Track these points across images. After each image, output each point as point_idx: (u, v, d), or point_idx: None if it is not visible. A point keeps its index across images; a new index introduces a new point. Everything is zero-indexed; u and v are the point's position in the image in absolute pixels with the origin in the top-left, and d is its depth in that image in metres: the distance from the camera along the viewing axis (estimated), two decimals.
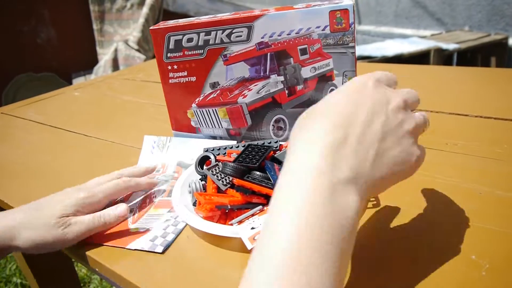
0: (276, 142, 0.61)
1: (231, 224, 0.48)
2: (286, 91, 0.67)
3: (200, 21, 0.65)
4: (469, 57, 2.95)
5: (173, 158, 0.70)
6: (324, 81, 0.65)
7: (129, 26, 3.26)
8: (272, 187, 0.50)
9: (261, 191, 0.50)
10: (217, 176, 0.53)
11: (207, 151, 0.61)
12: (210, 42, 0.65)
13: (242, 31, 0.63)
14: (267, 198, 0.51)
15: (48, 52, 3.26)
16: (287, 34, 0.62)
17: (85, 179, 0.59)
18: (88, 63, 3.36)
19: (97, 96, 1.25)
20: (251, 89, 0.68)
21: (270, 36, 0.63)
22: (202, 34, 0.65)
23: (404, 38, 3.16)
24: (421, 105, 0.76)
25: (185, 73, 0.69)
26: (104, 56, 3.24)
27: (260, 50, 0.64)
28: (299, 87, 0.66)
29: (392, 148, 0.35)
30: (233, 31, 0.64)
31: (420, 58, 2.65)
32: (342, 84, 0.64)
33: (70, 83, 3.25)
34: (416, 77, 1.03)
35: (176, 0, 3.63)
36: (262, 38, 0.63)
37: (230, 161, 0.53)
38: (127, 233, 0.53)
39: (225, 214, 0.51)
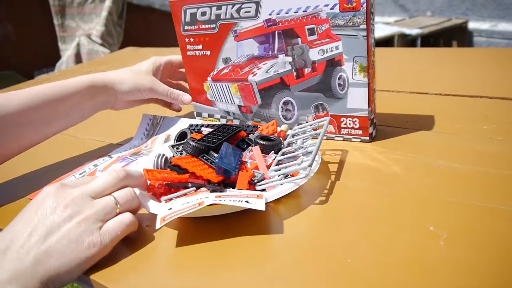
0: (255, 127, 0.61)
1: (160, 201, 0.49)
2: (294, 73, 0.64)
3: None
4: (432, 41, 3.13)
5: (162, 134, 0.72)
6: (333, 65, 0.61)
7: (92, 20, 3.11)
8: (214, 168, 0.50)
9: (195, 173, 0.49)
10: (180, 153, 0.53)
11: (190, 126, 0.61)
12: (222, 17, 0.65)
13: (251, 7, 0.62)
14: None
15: (5, 49, 3.06)
16: (295, 12, 0.59)
17: (50, 171, 0.64)
18: (51, 59, 3.14)
19: None
20: (261, 68, 0.66)
21: (278, 13, 0.61)
22: (214, 8, 0.65)
23: None
24: (383, 86, 0.83)
25: (201, 47, 0.70)
26: (67, 51, 3.09)
27: (268, 28, 0.62)
28: (307, 70, 0.63)
29: (58, 242, 0.40)
30: (242, 6, 0.62)
31: (384, 43, 2.75)
32: (352, 70, 0.61)
33: None
34: (380, 59, 0.99)
35: None
36: (269, 15, 0.61)
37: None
38: None
39: (170, 192, 0.51)
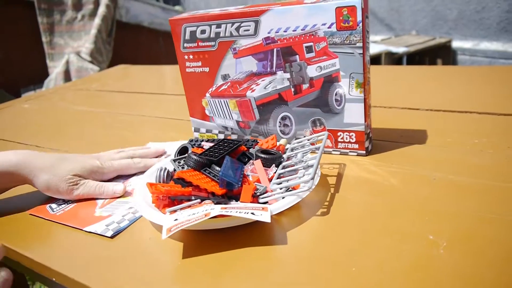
0: (254, 141, 0.62)
1: (165, 213, 0.50)
2: (292, 89, 0.66)
3: (212, 14, 0.66)
4: (417, 59, 3.25)
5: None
6: (330, 82, 0.63)
7: (81, 38, 3.10)
8: (217, 181, 0.51)
9: (200, 186, 0.50)
10: (181, 167, 0.55)
11: (191, 141, 0.63)
12: (221, 35, 0.67)
13: (250, 25, 0.64)
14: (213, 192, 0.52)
15: None
16: (293, 30, 0.62)
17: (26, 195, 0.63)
18: (39, 77, 3.11)
19: (48, 108, 1.21)
20: (259, 84, 0.68)
21: (276, 32, 0.63)
22: (213, 27, 0.67)
23: None
24: (375, 102, 0.85)
25: (200, 63, 0.71)
26: (55, 69, 3.03)
27: (267, 45, 0.64)
28: (304, 86, 0.65)
29: None
30: (241, 25, 0.65)
31: (372, 61, 2.79)
32: (349, 86, 0.63)
33: None
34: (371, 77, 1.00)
35: (129, 11, 3.53)
36: (268, 33, 0.63)
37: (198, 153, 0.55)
38: (90, 217, 0.57)
39: (173, 204, 0.52)
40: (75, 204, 0.60)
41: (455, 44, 3.35)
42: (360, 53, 0.60)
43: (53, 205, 0.61)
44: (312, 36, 0.61)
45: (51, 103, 1.29)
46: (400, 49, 3.09)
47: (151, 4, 3.90)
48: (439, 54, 3.29)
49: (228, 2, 4.88)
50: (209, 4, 5.07)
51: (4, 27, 3.16)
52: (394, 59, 3.06)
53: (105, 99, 1.27)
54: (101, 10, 3.15)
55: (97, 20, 3.11)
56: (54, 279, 0.48)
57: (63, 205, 0.60)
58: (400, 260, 0.41)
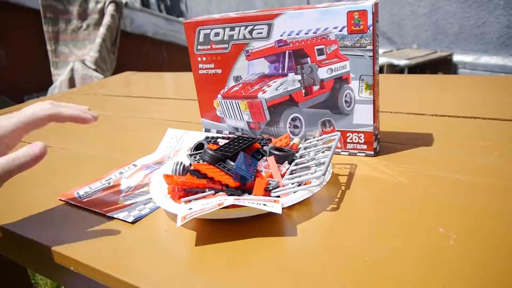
0: (268, 139, 0.64)
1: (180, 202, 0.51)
2: (303, 91, 0.68)
3: (226, 17, 0.69)
4: (418, 72, 3.28)
5: (185, 146, 0.74)
6: (341, 83, 0.65)
7: (85, 47, 3.15)
8: (231, 175, 0.53)
9: (215, 178, 0.52)
10: (197, 161, 0.56)
11: (207, 138, 0.64)
12: (234, 37, 0.69)
13: (263, 28, 0.66)
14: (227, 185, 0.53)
15: None
16: (305, 33, 0.64)
17: (53, 183, 0.67)
18: (42, 84, 3.16)
19: None
20: (270, 85, 0.70)
21: (289, 35, 0.65)
22: (227, 29, 0.69)
23: None
24: (382, 107, 0.84)
25: (212, 65, 0.73)
26: (59, 76, 3.08)
27: (279, 48, 0.67)
28: (315, 88, 0.67)
29: None
30: (255, 28, 0.67)
31: None
32: (359, 88, 0.65)
33: None
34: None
35: (133, 21, 3.60)
36: (281, 36, 0.66)
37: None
38: (113, 204, 0.59)
39: (188, 195, 0.53)
40: (100, 192, 0.63)
41: (456, 58, 3.40)
42: (370, 56, 0.62)
43: (81, 192, 0.64)
44: (324, 39, 0.63)
45: None
46: (402, 62, 3.15)
47: (155, 15, 3.95)
48: (440, 67, 3.34)
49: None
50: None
51: (9, 35, 3.20)
52: (396, 71, 3.12)
53: (112, 103, 1.29)
54: (106, 19, 3.20)
55: (102, 30, 3.16)
56: (72, 268, 0.49)
57: (89, 192, 0.63)
58: (413, 250, 0.43)
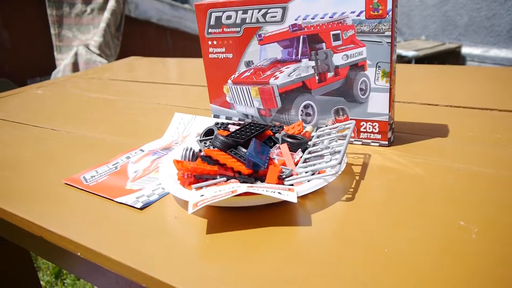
0: (280, 127, 0.62)
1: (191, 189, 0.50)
2: (317, 77, 0.66)
3: (239, 0, 0.67)
4: (426, 63, 3.22)
5: (193, 132, 0.73)
6: (356, 70, 0.63)
7: (89, 31, 3.12)
8: (243, 162, 0.51)
9: (227, 164, 0.50)
10: (207, 148, 0.55)
11: (217, 124, 0.63)
12: (247, 21, 0.67)
13: (277, 12, 0.64)
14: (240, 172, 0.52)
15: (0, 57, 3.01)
16: (321, 18, 0.62)
17: (58, 167, 0.67)
18: (45, 68, 3.14)
19: (62, 94, 1.21)
20: (283, 71, 0.68)
21: (304, 19, 0.63)
22: (240, 12, 0.67)
23: None
24: (398, 98, 0.86)
25: (223, 49, 0.71)
26: (63, 61, 3.06)
27: (293, 32, 0.65)
28: (329, 74, 0.65)
29: None
30: (268, 11, 0.65)
31: None
32: (375, 75, 0.63)
33: None
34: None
35: (138, 7, 3.55)
36: (295, 20, 0.63)
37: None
38: (121, 189, 0.57)
39: (197, 181, 0.52)
40: (107, 177, 0.61)
41: (465, 50, 3.36)
42: (388, 42, 0.60)
43: (87, 176, 0.62)
44: (340, 24, 0.61)
45: (65, 89, 1.29)
46: (410, 53, 3.12)
47: (160, 1, 3.91)
48: (448, 60, 3.31)
49: None
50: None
51: (12, 18, 3.16)
52: (404, 62, 3.10)
53: (118, 87, 1.27)
54: (111, 4, 3.16)
55: (106, 14, 3.12)
56: (79, 253, 0.48)
57: (96, 177, 0.62)
58: (433, 242, 0.41)
